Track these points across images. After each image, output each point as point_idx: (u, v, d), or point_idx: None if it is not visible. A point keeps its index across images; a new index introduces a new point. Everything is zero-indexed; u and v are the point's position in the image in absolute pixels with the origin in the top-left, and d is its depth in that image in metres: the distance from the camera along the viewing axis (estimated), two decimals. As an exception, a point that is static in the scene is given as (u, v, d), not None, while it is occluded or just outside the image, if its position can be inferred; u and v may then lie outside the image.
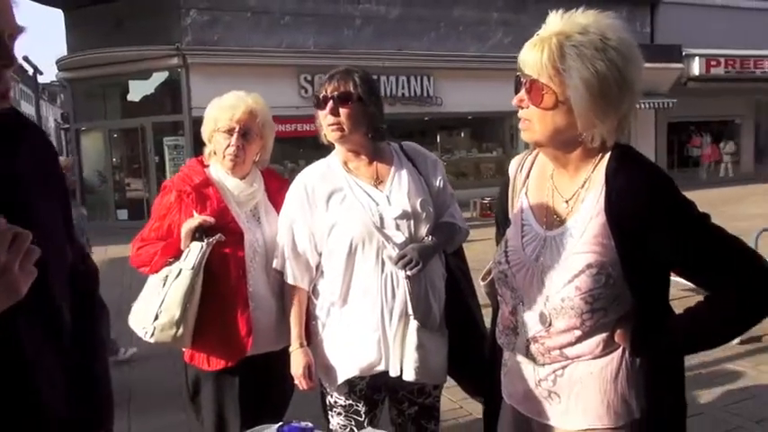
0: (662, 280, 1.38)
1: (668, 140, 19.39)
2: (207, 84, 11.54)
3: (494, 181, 16.01)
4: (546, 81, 1.30)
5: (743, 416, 3.48)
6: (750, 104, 20.59)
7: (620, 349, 1.37)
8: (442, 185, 2.09)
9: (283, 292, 2.11)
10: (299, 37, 14.38)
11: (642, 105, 17.02)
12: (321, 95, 1.96)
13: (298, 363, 2.00)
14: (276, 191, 2.27)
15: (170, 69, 14.01)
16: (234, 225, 2.14)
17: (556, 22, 1.32)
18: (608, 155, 1.37)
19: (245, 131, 2.17)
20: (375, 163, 2.02)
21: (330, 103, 1.93)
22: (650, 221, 1.27)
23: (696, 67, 18.02)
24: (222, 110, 2.18)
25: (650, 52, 16.66)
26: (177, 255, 2.10)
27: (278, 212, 2.16)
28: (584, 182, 1.39)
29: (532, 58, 1.31)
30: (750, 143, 20.61)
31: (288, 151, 13.95)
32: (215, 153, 2.21)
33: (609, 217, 1.31)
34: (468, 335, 2.03)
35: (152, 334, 2.07)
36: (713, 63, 18.21)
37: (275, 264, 2.07)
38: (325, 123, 1.96)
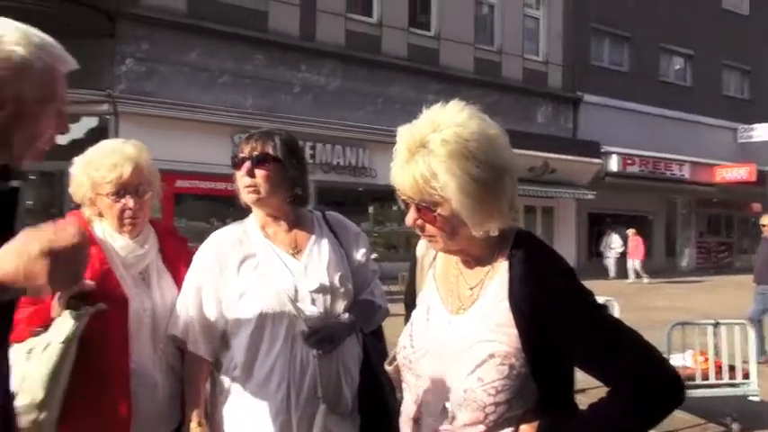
0: (566, 373, 1.33)
1: (588, 229, 20.32)
2: (137, 134, 10.95)
3: (421, 256, 16.15)
4: (431, 200, 1.26)
5: None
6: (662, 202, 22.10)
7: None
8: (364, 260, 2.00)
9: (173, 367, 1.92)
10: (237, 97, 14.35)
11: (565, 195, 17.96)
12: (239, 156, 1.86)
13: None
14: (173, 252, 2.04)
15: (99, 116, 13.57)
16: (118, 291, 1.86)
17: (419, 130, 1.26)
18: (510, 241, 1.34)
19: (137, 188, 1.93)
20: (294, 230, 1.92)
21: (247, 164, 1.83)
22: (549, 310, 1.24)
23: (614, 164, 19.23)
24: (104, 171, 1.90)
25: (573, 146, 17.87)
26: (46, 323, 1.76)
27: (174, 276, 1.98)
28: (488, 269, 1.35)
29: (408, 183, 1.27)
30: (661, 238, 21.93)
31: (217, 209, 13.57)
32: (100, 215, 1.95)
33: (512, 305, 1.27)
34: (382, 422, 1.88)
35: None
36: (629, 161, 19.52)
37: (175, 330, 1.88)
38: (242, 185, 1.85)
